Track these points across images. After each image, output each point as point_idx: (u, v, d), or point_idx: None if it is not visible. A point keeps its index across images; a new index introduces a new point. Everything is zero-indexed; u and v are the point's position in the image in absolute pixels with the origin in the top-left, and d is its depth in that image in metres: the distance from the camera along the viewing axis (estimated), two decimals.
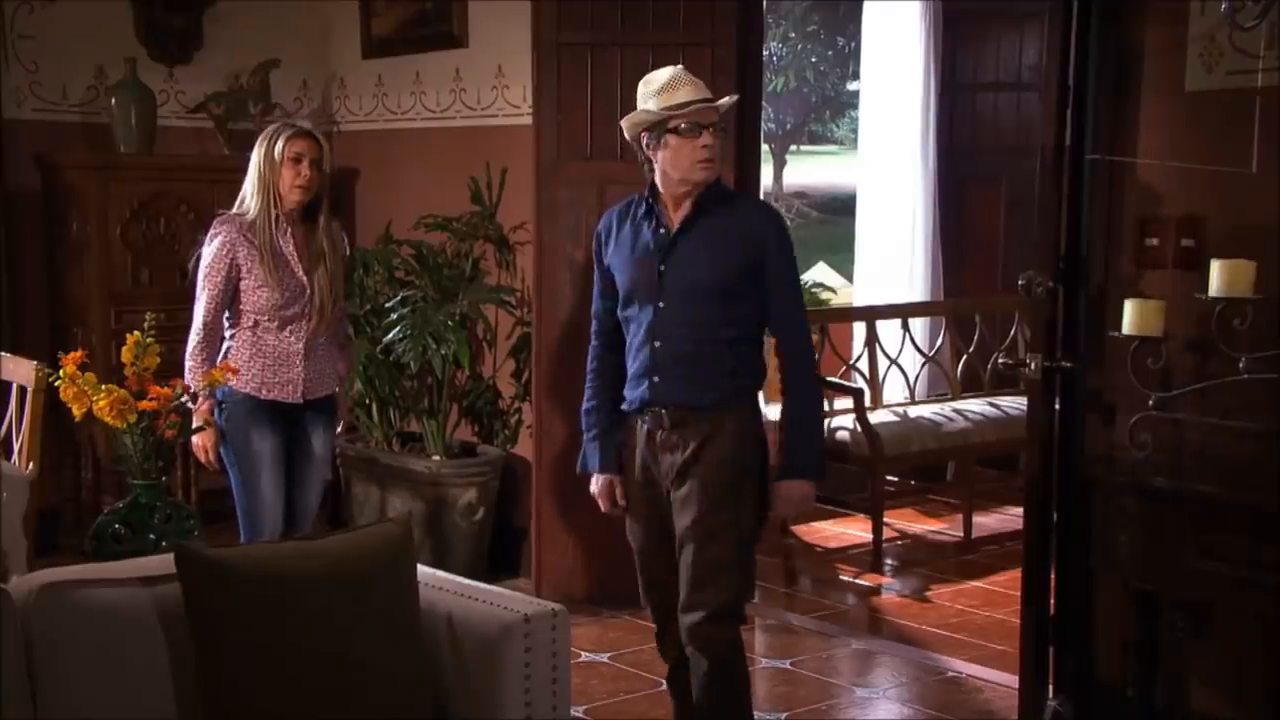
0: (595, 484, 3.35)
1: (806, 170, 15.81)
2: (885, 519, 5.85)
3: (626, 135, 3.22)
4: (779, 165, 15.59)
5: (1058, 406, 3.69)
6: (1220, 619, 3.37)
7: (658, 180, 3.17)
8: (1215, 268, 3.27)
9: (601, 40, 4.73)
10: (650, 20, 4.70)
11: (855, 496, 5.96)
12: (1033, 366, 3.69)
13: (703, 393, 3.15)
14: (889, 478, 6.26)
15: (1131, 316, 3.40)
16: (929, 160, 6.87)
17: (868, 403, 5.93)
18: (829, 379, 6.05)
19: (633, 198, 3.30)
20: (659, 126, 3.10)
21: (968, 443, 6.02)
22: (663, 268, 3.15)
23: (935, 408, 6.18)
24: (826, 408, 6.04)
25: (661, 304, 3.15)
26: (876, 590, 5.36)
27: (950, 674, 4.35)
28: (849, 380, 6.10)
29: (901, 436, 5.85)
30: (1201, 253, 3.42)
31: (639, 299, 3.18)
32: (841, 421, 5.86)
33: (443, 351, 4.92)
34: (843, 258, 7.72)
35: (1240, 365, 3.24)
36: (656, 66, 4.71)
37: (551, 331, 4.86)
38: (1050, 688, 3.76)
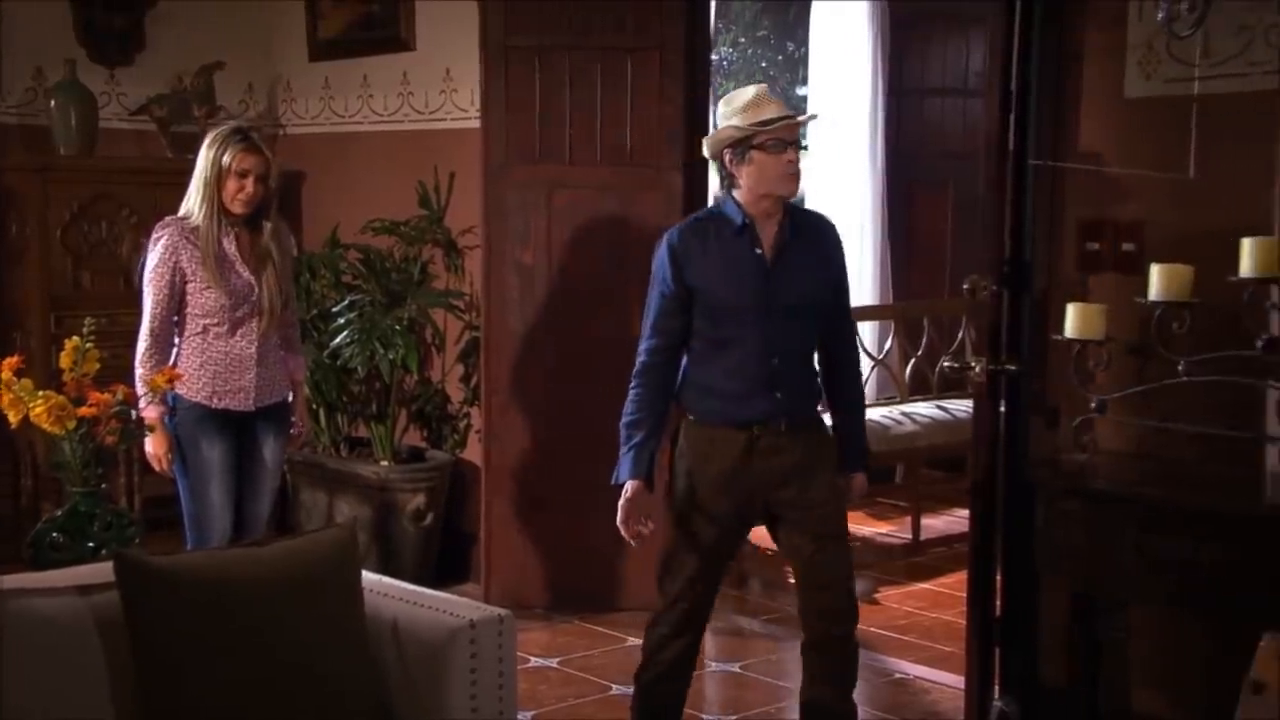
0: (629, 491, 3.27)
1: None
2: None
3: (707, 152, 3.27)
4: None
5: (1003, 409, 3.73)
6: (1162, 619, 3.41)
7: (739, 196, 3.19)
8: (1155, 272, 3.31)
9: (549, 43, 4.72)
10: (598, 24, 4.71)
11: None
12: (978, 370, 3.73)
13: (810, 404, 3.33)
14: None
15: (1073, 320, 3.44)
16: (877, 164, 6.92)
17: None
18: None
19: (697, 216, 3.35)
20: (743, 143, 3.15)
21: (916, 445, 6.05)
22: (769, 286, 3.19)
23: (884, 411, 6.20)
24: None
25: (771, 322, 3.19)
26: None
27: (898, 675, 4.38)
28: None
29: None
30: (1142, 257, 3.47)
31: (743, 317, 3.20)
32: None
33: (390, 356, 4.89)
34: None
35: (1179, 368, 3.29)
36: (605, 70, 4.83)
37: (500, 335, 4.84)
38: (996, 688, 3.80)
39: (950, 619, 4.81)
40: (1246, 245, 3.17)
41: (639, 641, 4.54)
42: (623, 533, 3.28)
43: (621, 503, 3.26)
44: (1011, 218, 3.66)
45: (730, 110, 3.19)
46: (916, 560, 5.73)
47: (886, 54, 6.88)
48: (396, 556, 4.98)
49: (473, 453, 5.13)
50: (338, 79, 5.74)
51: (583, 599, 4.87)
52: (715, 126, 3.26)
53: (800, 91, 7.77)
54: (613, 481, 3.29)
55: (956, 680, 3.99)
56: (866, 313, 6.70)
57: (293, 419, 4.10)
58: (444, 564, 5.16)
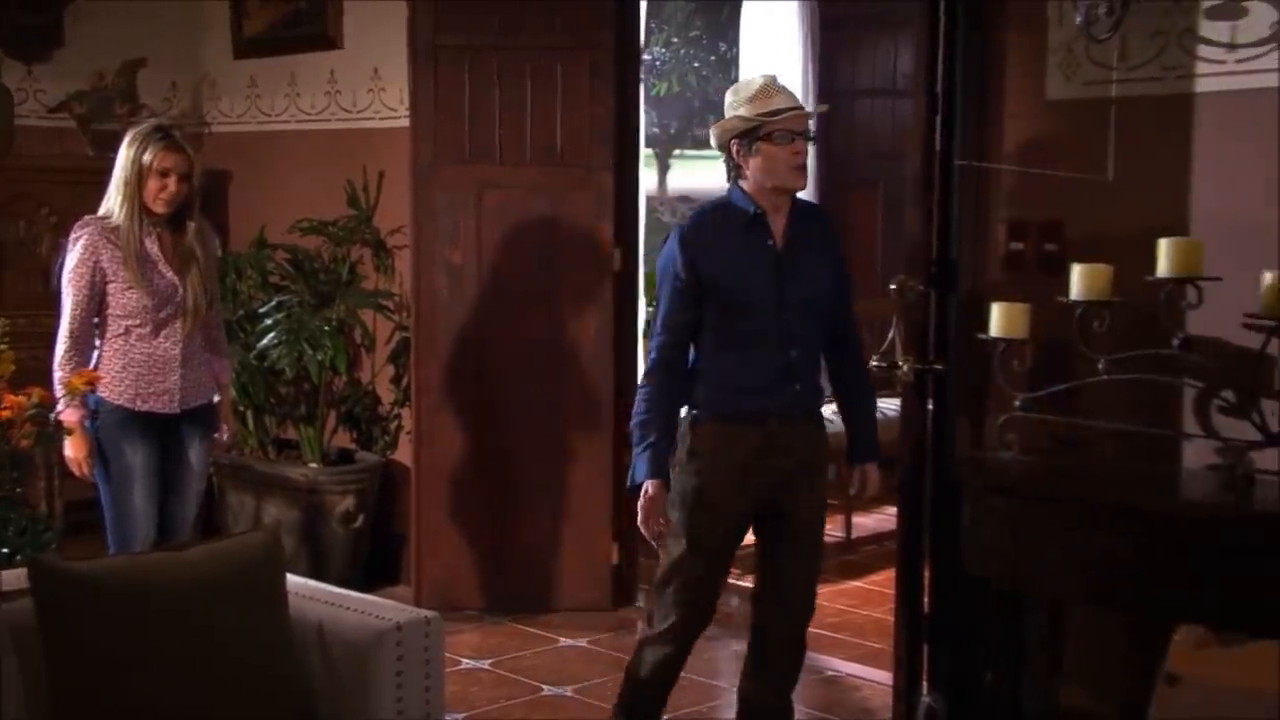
0: (650, 490, 3.14)
1: (690, 174, 15.88)
2: None
3: (714, 142, 3.22)
4: (663, 169, 15.65)
5: (931, 408, 3.77)
6: (1085, 615, 3.46)
7: (747, 187, 3.16)
8: (1075, 272, 3.36)
9: (478, 43, 4.70)
10: (528, 24, 4.69)
11: None
12: (905, 369, 3.76)
13: (819, 398, 3.31)
14: None
15: (998, 319, 3.49)
16: (807, 165, 6.94)
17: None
18: None
19: (704, 209, 3.27)
20: (751, 134, 3.10)
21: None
22: (783, 277, 3.15)
23: None
24: None
25: (788, 313, 3.16)
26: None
27: (829, 673, 4.40)
28: None
29: None
30: (1064, 257, 3.52)
31: (759, 309, 3.15)
32: None
33: (319, 357, 4.84)
34: None
35: (1100, 366, 3.34)
36: (535, 70, 4.81)
37: (430, 336, 4.81)
38: (925, 685, 3.84)
39: (881, 616, 4.84)
40: (1163, 245, 3.23)
41: (572, 642, 4.59)
42: (644, 532, 3.20)
43: (642, 503, 3.15)
44: (938, 218, 3.71)
45: (738, 100, 3.14)
46: (849, 558, 5.76)
47: (817, 55, 6.92)
48: (326, 559, 4.93)
49: (403, 454, 5.09)
50: (264, 77, 5.67)
51: (516, 600, 4.85)
52: (725, 115, 3.20)
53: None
54: (630, 484, 3.19)
55: (887, 677, 4.02)
56: None
57: (220, 423, 4.04)
58: (375, 566, 5.12)
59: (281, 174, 5.61)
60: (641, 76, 5.15)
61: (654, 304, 3.24)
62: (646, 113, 6.09)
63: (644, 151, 6.28)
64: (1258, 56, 3.20)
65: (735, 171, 3.17)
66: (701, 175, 15.96)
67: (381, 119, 5.24)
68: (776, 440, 3.17)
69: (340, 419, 5.21)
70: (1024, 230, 3.69)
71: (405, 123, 4.82)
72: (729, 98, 3.17)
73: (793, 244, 3.17)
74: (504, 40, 4.70)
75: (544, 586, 4.87)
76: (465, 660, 4.41)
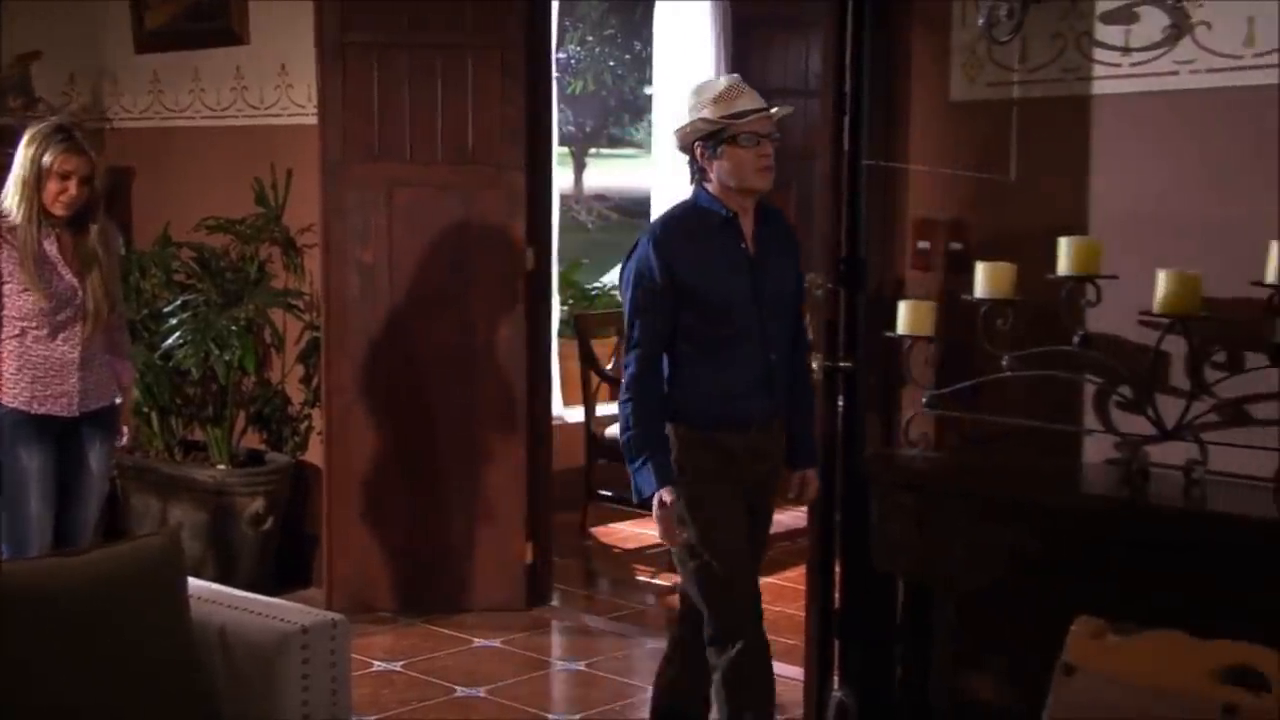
0: (666, 498, 3.02)
1: (607, 173, 15.90)
2: None
3: (677, 144, 3.12)
4: (579, 168, 15.64)
5: (841, 405, 3.81)
6: (990, 608, 3.52)
7: (712, 190, 3.08)
8: (980, 270, 3.42)
9: (387, 40, 4.66)
10: (437, 21, 4.66)
11: None
12: (815, 367, 3.79)
13: (784, 402, 3.22)
14: None
15: (905, 317, 3.54)
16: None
17: None
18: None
19: (673, 213, 3.15)
20: (715, 136, 3.02)
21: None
22: (758, 280, 3.09)
23: None
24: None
25: (764, 317, 3.10)
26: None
27: None
28: None
29: None
30: (969, 256, 3.58)
31: (738, 314, 3.08)
32: None
33: (227, 357, 4.77)
34: None
35: (1003, 363, 3.41)
36: (445, 68, 4.78)
37: (341, 335, 4.76)
38: (836, 680, 3.88)
39: (793, 612, 4.88)
40: (1063, 244, 3.30)
41: (486, 643, 4.58)
42: (669, 543, 3.09)
43: (658, 514, 3.03)
44: (847, 217, 3.75)
45: (700, 101, 3.05)
46: None
47: (729, 54, 6.96)
48: (235, 562, 4.86)
49: (314, 455, 5.03)
50: (167, 72, 5.56)
51: (429, 601, 4.82)
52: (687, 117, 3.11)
53: (648, 90, 7.79)
54: (636, 499, 3.08)
55: (798, 673, 4.05)
56: None
57: (120, 425, 3.96)
58: (286, 569, 5.05)
59: (187, 171, 5.51)
60: (556, 75, 5.15)
61: (631, 314, 3.08)
62: (562, 111, 6.08)
63: (559, 150, 6.28)
64: (1151, 60, 3.29)
65: (699, 174, 3.09)
66: (618, 174, 15.99)
67: (290, 116, 5.17)
68: (758, 447, 3.14)
69: (249, 420, 5.14)
70: (931, 229, 3.74)
71: (314, 120, 4.76)
72: (690, 99, 3.08)
73: (762, 246, 3.12)
74: (413, 37, 4.66)
75: (458, 587, 4.85)
76: (377, 662, 4.37)
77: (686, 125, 3.06)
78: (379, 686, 4.17)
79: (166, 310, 4.93)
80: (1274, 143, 3.15)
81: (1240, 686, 1.77)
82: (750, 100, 3.05)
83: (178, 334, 4.81)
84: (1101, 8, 3.34)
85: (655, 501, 3.01)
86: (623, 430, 3.07)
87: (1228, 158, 3.20)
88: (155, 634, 2.39)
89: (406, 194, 4.74)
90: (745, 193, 3.07)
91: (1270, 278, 3.01)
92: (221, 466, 4.98)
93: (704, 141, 3.04)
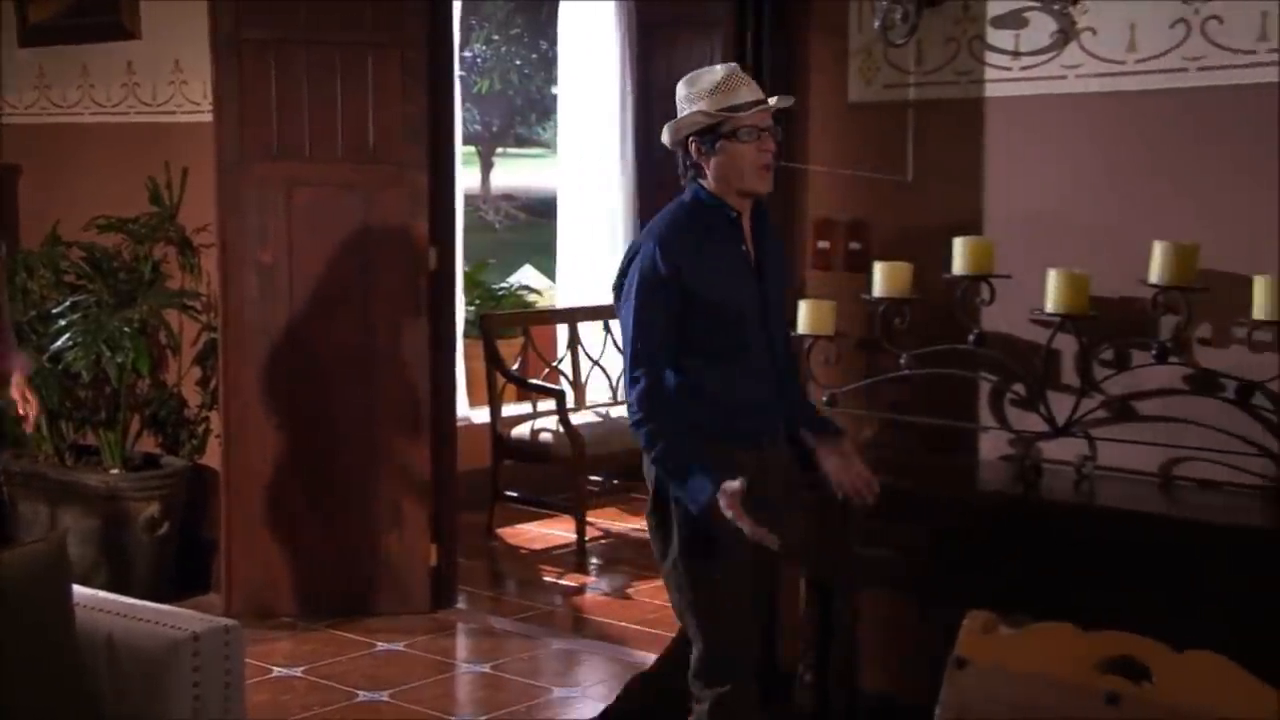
0: (737, 490, 2.66)
1: (514, 173, 15.84)
2: (589, 519, 5.93)
3: (667, 140, 2.86)
4: (486, 167, 15.56)
5: None
6: (887, 602, 3.58)
7: (710, 188, 2.82)
8: (878, 269, 3.47)
9: (284, 37, 4.59)
10: (336, 19, 4.60)
11: (558, 497, 6.01)
12: None
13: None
14: (592, 478, 6.34)
15: (806, 316, 3.57)
16: (627, 164, 7.01)
17: (570, 403, 5.99)
18: (531, 381, 6.09)
19: (674, 211, 2.86)
20: (712, 131, 2.77)
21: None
22: (760, 284, 2.87)
23: None
24: (530, 409, 6.09)
25: (769, 323, 2.89)
26: (580, 590, 5.42)
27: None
28: (552, 382, 6.14)
29: (604, 436, 5.93)
30: (867, 255, 3.63)
31: (746, 321, 2.84)
32: (544, 423, 5.89)
33: (119, 359, 4.66)
34: (550, 260, 7.79)
35: (901, 361, 3.46)
36: (344, 66, 4.72)
37: (239, 337, 4.68)
38: None
39: None
40: (958, 244, 3.36)
41: (389, 646, 4.53)
42: (765, 540, 2.70)
43: (735, 512, 2.65)
44: None
45: (695, 93, 2.79)
46: None
47: (634, 54, 6.98)
48: (129, 569, 4.75)
49: (213, 458, 4.94)
50: (54, 67, 5.42)
51: (332, 605, 4.76)
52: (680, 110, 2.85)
53: (555, 90, 7.78)
54: (697, 509, 2.69)
55: None
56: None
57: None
58: (184, 575, 4.95)
59: (77, 169, 5.37)
60: (461, 74, 5.11)
61: (636, 325, 2.79)
62: (468, 110, 6.04)
63: (465, 149, 6.20)
64: (1040, 64, 3.36)
65: (693, 171, 2.83)
66: (525, 174, 15.95)
67: (185, 113, 5.07)
68: (769, 462, 2.88)
69: (144, 423, 5.03)
70: (830, 229, 3.79)
71: (209, 117, 4.67)
72: (683, 89, 2.82)
73: (760, 247, 2.90)
74: (311, 34, 4.59)
75: (361, 591, 4.79)
76: (277, 668, 4.30)
77: (684, 117, 2.80)
78: (279, 692, 4.11)
79: (55, 311, 4.80)
80: (1157, 145, 3.24)
81: (1123, 676, 1.81)
82: (750, 92, 2.79)
83: (67, 335, 4.69)
84: (992, 12, 3.41)
85: (723, 502, 2.65)
86: (647, 449, 2.77)
87: (1114, 159, 3.29)
88: (38, 642, 2.33)
89: (306, 193, 4.67)
90: (743, 193, 2.82)
91: (1154, 277, 3.09)
92: (115, 471, 4.87)
93: (699, 137, 2.79)
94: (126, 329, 4.69)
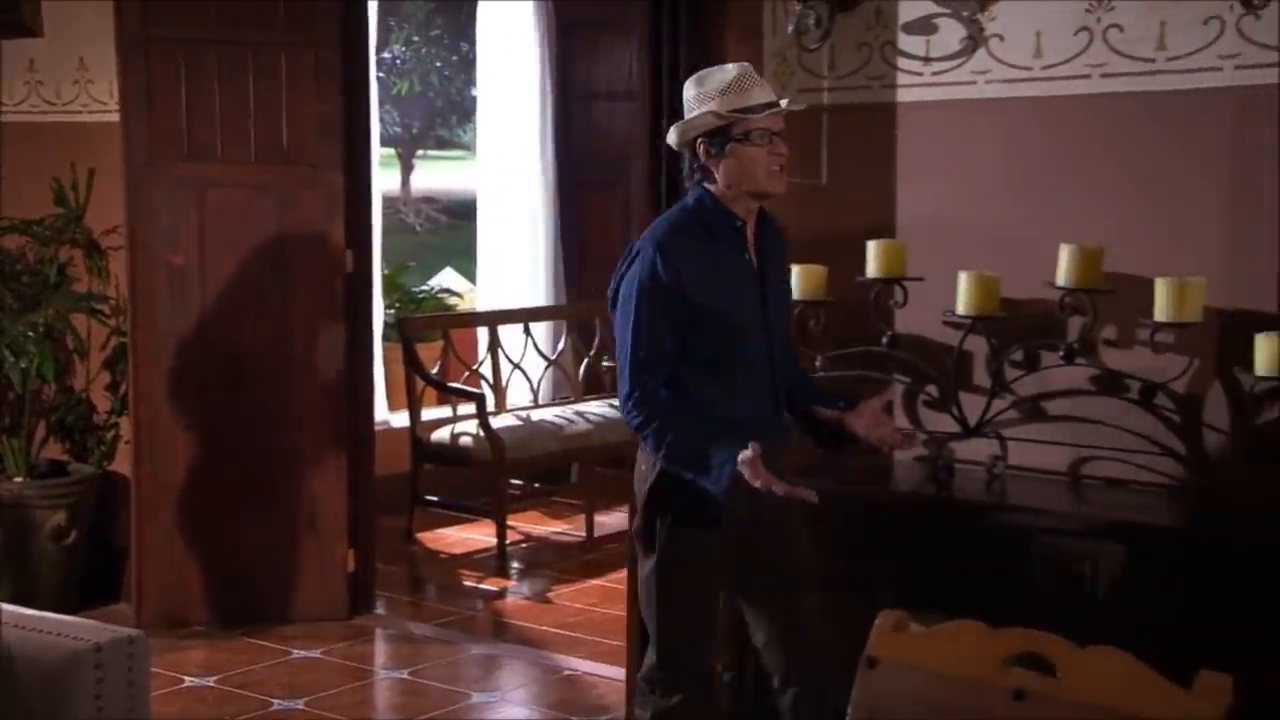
0: (748, 455, 2.54)
1: (434, 175, 15.74)
2: (510, 522, 5.91)
3: (673, 141, 2.76)
4: (406, 169, 15.43)
5: None
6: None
7: (717, 192, 2.73)
8: (794, 272, 3.48)
9: (194, 36, 4.52)
10: (248, 18, 4.54)
11: (479, 501, 5.98)
12: None
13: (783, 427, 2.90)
14: (513, 481, 6.32)
15: None
16: (548, 166, 6.99)
17: (491, 407, 5.97)
18: (451, 384, 6.05)
19: (676, 216, 2.77)
20: (723, 132, 2.67)
21: (590, 444, 6.15)
22: (763, 294, 2.78)
23: (558, 410, 6.29)
24: (450, 413, 6.05)
25: (770, 335, 2.78)
26: (501, 594, 5.39)
27: (567, 672, 4.43)
28: (473, 385, 6.11)
29: (524, 440, 5.92)
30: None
31: (747, 332, 2.75)
32: (464, 427, 5.86)
33: (23, 364, 4.55)
34: (470, 262, 7.75)
35: (816, 363, 3.48)
36: (257, 65, 4.66)
37: (150, 341, 4.60)
38: None
39: (620, 613, 4.89)
40: (872, 247, 3.40)
41: (305, 653, 4.47)
42: (802, 494, 2.58)
43: (765, 480, 2.52)
44: None
45: (704, 93, 2.69)
46: (590, 557, 5.82)
47: (554, 56, 6.96)
48: (34, 579, 4.65)
49: (122, 465, 4.84)
50: None
51: (247, 613, 4.69)
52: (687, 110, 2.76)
53: (475, 92, 7.73)
54: (720, 490, 2.59)
55: (622, 674, 4.07)
56: (539, 314, 6.78)
57: None
58: (93, 584, 4.85)
59: None
60: (380, 75, 5.07)
61: (635, 331, 2.70)
62: (387, 112, 5.98)
63: (385, 151, 6.14)
64: (950, 69, 3.41)
65: (700, 174, 2.73)
66: (446, 176, 15.85)
67: (90, 113, 4.96)
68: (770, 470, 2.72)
69: (50, 429, 4.91)
70: None
71: (117, 117, 4.58)
72: (691, 89, 2.73)
73: (763, 256, 2.80)
74: (222, 34, 4.52)
75: (277, 598, 4.73)
76: (189, 678, 4.22)
77: (694, 118, 2.70)
78: (191, 702, 4.04)
79: None
80: (1063, 149, 3.30)
81: (1030, 671, 1.84)
82: (763, 92, 2.70)
83: None
84: (904, 18, 3.45)
85: (747, 473, 2.53)
86: (657, 448, 2.67)
87: (1022, 164, 3.34)
88: None
89: (219, 194, 4.60)
90: (755, 196, 2.73)
91: (1061, 280, 3.15)
92: (19, 479, 4.76)
93: (708, 138, 2.69)
94: (31, 333, 4.59)
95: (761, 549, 2.81)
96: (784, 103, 2.74)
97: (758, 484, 2.54)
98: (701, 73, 2.75)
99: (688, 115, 2.73)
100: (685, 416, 2.68)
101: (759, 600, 2.88)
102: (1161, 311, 3.04)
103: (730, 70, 2.72)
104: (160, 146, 4.54)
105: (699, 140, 2.70)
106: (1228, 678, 1.71)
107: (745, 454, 2.54)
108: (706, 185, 2.74)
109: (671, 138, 2.77)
